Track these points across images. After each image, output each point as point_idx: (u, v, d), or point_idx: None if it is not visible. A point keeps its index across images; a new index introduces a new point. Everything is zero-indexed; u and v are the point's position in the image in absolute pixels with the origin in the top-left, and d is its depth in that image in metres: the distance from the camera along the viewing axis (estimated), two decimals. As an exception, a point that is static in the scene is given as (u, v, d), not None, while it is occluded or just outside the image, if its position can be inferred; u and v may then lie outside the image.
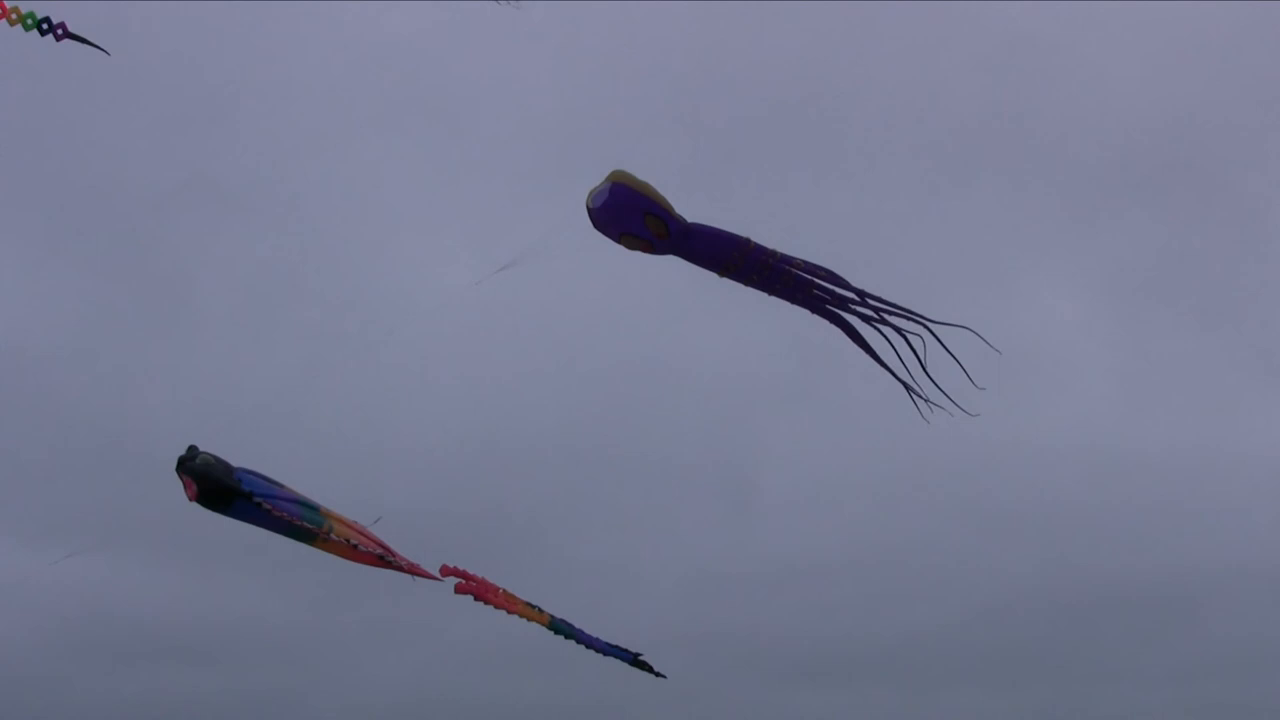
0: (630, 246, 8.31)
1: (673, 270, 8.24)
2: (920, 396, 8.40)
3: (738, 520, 21.71)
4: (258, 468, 9.50)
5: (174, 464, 9.26)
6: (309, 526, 9.17)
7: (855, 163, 20.14)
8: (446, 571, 9.53)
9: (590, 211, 8.20)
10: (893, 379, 8.36)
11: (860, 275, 8.06)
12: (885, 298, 8.24)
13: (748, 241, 8.16)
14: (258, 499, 8.99)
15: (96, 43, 9.51)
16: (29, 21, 9.24)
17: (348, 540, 9.27)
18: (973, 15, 21.05)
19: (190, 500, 9.18)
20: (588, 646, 9.64)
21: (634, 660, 9.87)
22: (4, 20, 9.21)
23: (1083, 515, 22.79)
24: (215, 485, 9.02)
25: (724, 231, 8.18)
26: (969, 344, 8.14)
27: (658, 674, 9.96)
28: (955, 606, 22.48)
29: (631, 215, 8.06)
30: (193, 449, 9.12)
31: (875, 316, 8.15)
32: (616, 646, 9.81)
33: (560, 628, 9.57)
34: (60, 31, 9.35)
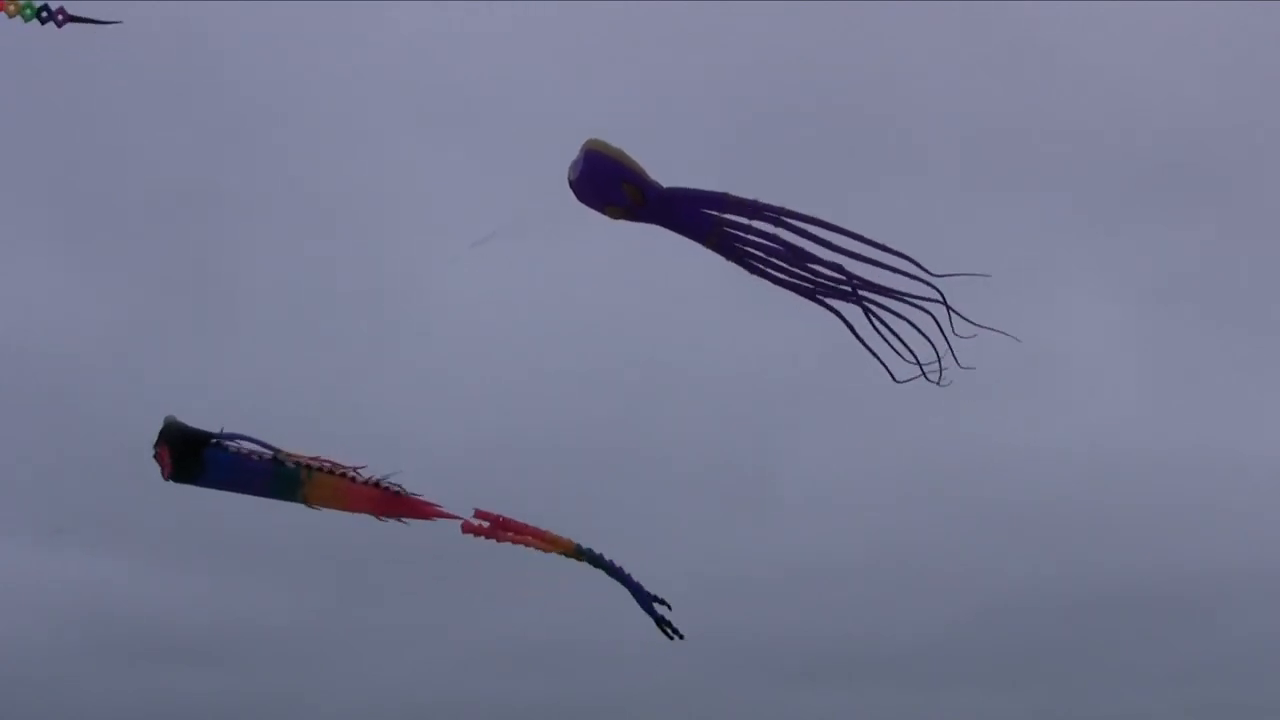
0: (614, 216, 8.10)
1: (686, 269, 8.18)
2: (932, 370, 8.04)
3: (749, 522, 21.68)
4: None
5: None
6: (291, 466, 8.63)
7: (880, 166, 20.08)
8: (476, 519, 9.08)
9: (571, 184, 7.91)
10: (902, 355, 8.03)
11: (883, 277, 7.86)
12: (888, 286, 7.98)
13: (726, 195, 7.92)
14: (225, 441, 8.48)
15: (100, 18, 9.05)
16: (28, 12, 8.91)
17: (339, 473, 8.72)
18: (996, 18, 21.01)
19: (166, 476, 8.52)
20: (620, 579, 9.20)
21: (657, 617, 9.35)
22: (2, 12, 8.91)
23: (1098, 518, 22.79)
24: (181, 436, 8.48)
25: (703, 190, 8.00)
26: (988, 344, 8.02)
27: (676, 634, 9.44)
28: (962, 607, 22.49)
29: (610, 183, 7.82)
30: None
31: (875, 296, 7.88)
32: (646, 595, 9.31)
33: (589, 555, 9.17)
34: (61, 18, 8.98)
